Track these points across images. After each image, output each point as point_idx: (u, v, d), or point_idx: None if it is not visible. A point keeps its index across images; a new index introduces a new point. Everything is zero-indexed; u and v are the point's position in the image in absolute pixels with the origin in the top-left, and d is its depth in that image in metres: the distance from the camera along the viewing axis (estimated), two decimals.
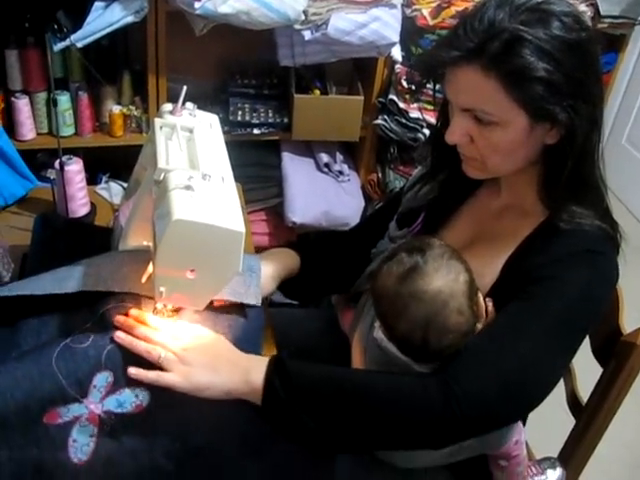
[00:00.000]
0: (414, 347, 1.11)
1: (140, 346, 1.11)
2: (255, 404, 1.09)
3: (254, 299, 1.29)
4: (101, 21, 2.14)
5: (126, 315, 1.17)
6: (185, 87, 1.15)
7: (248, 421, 1.11)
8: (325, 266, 1.49)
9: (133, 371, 1.09)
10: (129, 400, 1.11)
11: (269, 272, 1.37)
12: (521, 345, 1.07)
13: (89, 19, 2.10)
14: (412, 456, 1.24)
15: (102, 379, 1.12)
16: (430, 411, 1.04)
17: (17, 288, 1.21)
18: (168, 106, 1.19)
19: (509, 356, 1.07)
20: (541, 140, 1.12)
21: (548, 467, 1.42)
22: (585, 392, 1.46)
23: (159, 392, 1.10)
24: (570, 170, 1.11)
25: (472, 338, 1.11)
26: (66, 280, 1.22)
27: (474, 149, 1.15)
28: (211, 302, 1.21)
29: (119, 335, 1.12)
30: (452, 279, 1.09)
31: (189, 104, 1.20)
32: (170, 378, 1.08)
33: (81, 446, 1.08)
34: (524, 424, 1.35)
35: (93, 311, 1.20)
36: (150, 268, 1.21)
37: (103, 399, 1.11)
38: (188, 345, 1.13)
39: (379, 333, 1.19)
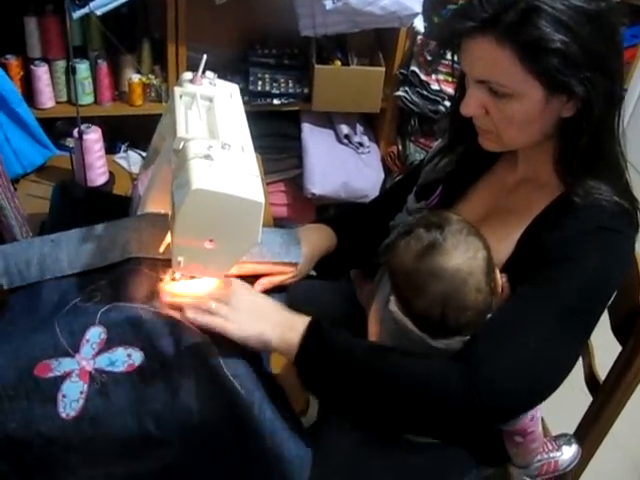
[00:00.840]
0: (431, 323, 1.10)
1: (191, 302, 1.12)
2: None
3: (295, 257, 1.32)
4: None
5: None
6: (205, 56, 1.14)
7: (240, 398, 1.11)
8: (357, 241, 1.48)
9: (191, 314, 1.09)
10: (121, 359, 1.11)
11: (306, 252, 1.36)
12: (538, 333, 1.06)
13: None
14: None
15: (95, 334, 1.12)
16: (451, 403, 1.03)
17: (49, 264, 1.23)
18: (188, 75, 1.18)
19: (527, 345, 1.06)
20: (557, 113, 1.10)
21: (564, 443, 1.42)
22: (603, 370, 1.45)
23: (153, 353, 1.11)
24: (587, 144, 1.09)
25: (489, 324, 1.11)
26: (88, 250, 1.24)
27: (489, 121, 1.14)
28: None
29: (185, 316, 1.11)
30: (471, 256, 1.08)
31: (209, 73, 1.19)
32: (225, 324, 1.09)
33: (70, 402, 1.09)
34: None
35: (109, 274, 1.22)
36: (168, 237, 1.20)
37: (95, 356, 1.11)
38: (233, 292, 1.14)
39: (394, 306, 1.18)
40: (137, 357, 1.12)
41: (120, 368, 1.11)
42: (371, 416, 1.10)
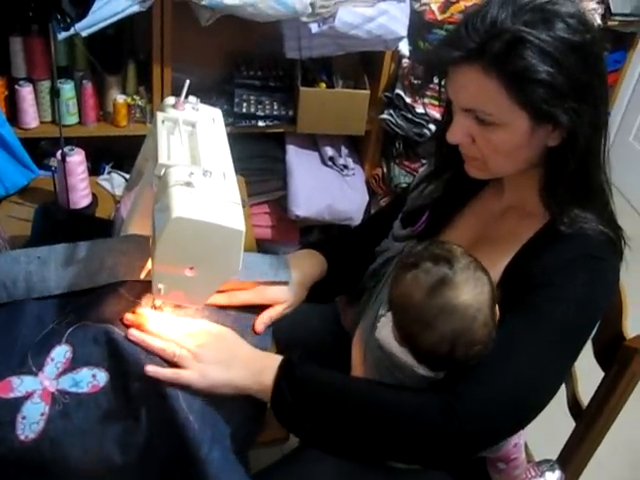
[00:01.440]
0: (437, 358, 1.09)
1: (154, 344, 1.12)
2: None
3: (285, 277, 1.32)
4: (106, 10, 2.13)
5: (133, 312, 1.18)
6: (188, 81, 1.14)
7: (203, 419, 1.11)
8: (347, 266, 1.47)
9: (151, 369, 1.09)
10: (85, 380, 1.11)
11: (299, 279, 1.36)
12: (521, 360, 1.07)
13: (94, 8, 2.07)
14: None
15: (60, 353, 1.12)
16: (431, 429, 1.04)
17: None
18: (171, 100, 1.18)
19: (510, 372, 1.06)
20: (543, 142, 1.10)
21: (547, 469, 1.41)
22: (586, 395, 1.45)
23: (118, 374, 1.10)
24: (572, 173, 1.10)
25: None
26: (74, 272, 1.23)
27: (475, 149, 1.14)
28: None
29: (132, 333, 1.13)
30: (479, 292, 1.07)
31: (192, 98, 1.19)
32: (187, 375, 1.09)
33: (30, 424, 1.07)
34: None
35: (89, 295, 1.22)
36: (149, 264, 1.20)
37: (59, 376, 1.11)
38: (201, 341, 1.13)
39: (381, 333, 1.18)
40: (102, 377, 1.11)
41: (84, 389, 1.10)
42: (352, 448, 1.10)
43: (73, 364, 1.12)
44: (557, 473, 1.41)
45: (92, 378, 1.11)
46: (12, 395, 1.09)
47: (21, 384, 1.10)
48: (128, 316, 1.17)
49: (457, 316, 1.05)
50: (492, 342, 1.08)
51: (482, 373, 1.07)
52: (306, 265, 1.40)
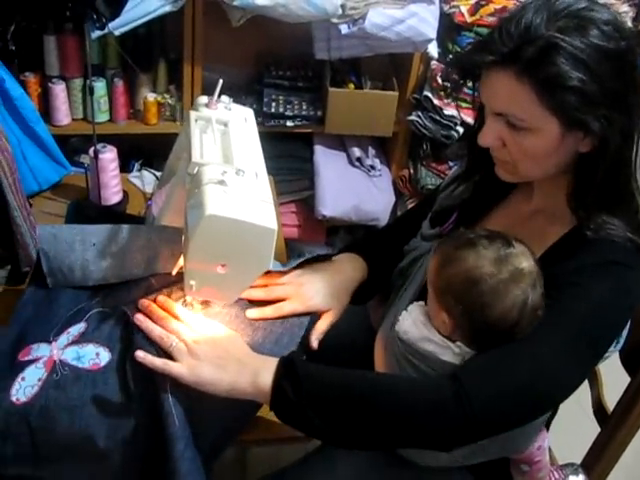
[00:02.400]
0: (499, 331, 1.09)
1: (155, 331, 1.13)
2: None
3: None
4: (139, 10, 2.15)
5: (154, 300, 1.20)
6: (221, 80, 1.16)
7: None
8: (384, 268, 1.46)
9: (141, 354, 1.09)
10: (88, 356, 1.12)
11: (343, 285, 1.36)
12: (537, 350, 1.07)
13: (127, 7, 2.11)
14: (431, 454, 1.24)
15: (76, 328, 1.16)
16: (442, 411, 1.03)
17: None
18: (204, 99, 1.20)
19: (524, 360, 1.06)
20: (574, 148, 1.10)
21: (570, 473, 1.41)
22: (611, 400, 1.44)
23: (121, 358, 1.12)
24: (602, 180, 1.09)
25: None
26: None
27: (506, 153, 1.14)
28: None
29: (138, 317, 1.15)
30: (533, 260, 1.10)
31: (225, 97, 1.21)
32: (176, 368, 1.09)
33: (25, 387, 1.09)
34: (547, 430, 1.34)
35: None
36: (181, 261, 1.21)
37: (66, 347, 1.13)
38: (201, 338, 1.13)
39: (403, 326, 1.19)
40: (104, 357, 1.13)
41: (85, 365, 1.12)
42: (363, 438, 1.09)
43: (82, 338, 1.15)
44: (581, 477, 1.41)
45: (95, 356, 1.12)
46: (25, 358, 1.13)
47: (37, 349, 1.13)
48: (142, 301, 1.18)
49: (525, 280, 1.08)
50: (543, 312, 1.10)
51: (496, 360, 1.07)
52: (349, 270, 1.39)
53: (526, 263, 1.09)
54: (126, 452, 1.10)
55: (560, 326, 1.08)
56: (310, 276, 1.33)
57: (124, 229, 1.28)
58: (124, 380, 1.11)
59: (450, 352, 1.14)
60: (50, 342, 1.15)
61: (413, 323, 1.19)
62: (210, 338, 1.14)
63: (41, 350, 1.15)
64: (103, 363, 1.12)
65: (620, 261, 1.10)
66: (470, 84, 1.20)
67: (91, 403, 1.09)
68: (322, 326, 1.31)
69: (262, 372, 1.09)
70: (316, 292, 1.31)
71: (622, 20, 1.07)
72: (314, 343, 1.29)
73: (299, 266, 1.35)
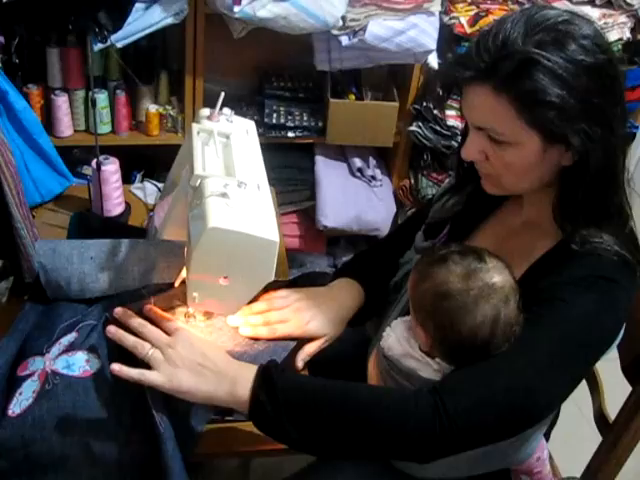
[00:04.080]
0: (473, 346, 1.09)
1: (129, 340, 1.12)
2: None
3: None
4: (141, 22, 2.17)
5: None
6: (223, 93, 1.16)
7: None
8: (380, 291, 1.46)
9: (116, 367, 1.07)
10: (78, 363, 1.13)
11: (340, 313, 1.35)
12: (515, 365, 1.06)
13: (129, 20, 2.11)
14: (428, 466, 1.24)
15: (67, 339, 1.17)
16: (418, 423, 1.02)
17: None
18: (206, 111, 1.21)
19: (502, 374, 1.06)
20: (556, 161, 1.09)
21: None
22: (613, 409, 1.44)
23: (110, 364, 1.11)
24: (585, 193, 1.09)
25: None
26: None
27: (489, 166, 1.14)
28: None
29: (110, 330, 1.12)
30: (508, 274, 1.10)
31: (226, 110, 1.21)
32: (153, 377, 1.08)
33: (21, 400, 1.10)
34: (547, 440, 1.34)
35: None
36: (183, 273, 1.22)
37: (57, 357, 1.14)
38: (176, 344, 1.11)
39: (387, 342, 1.20)
40: (94, 364, 1.13)
41: (75, 372, 1.12)
42: (341, 449, 1.08)
43: (72, 347, 1.15)
44: None
45: (85, 363, 1.13)
46: (23, 373, 1.13)
47: (33, 364, 1.14)
48: (117, 310, 1.17)
49: (496, 295, 1.07)
50: (521, 327, 1.09)
51: (476, 373, 1.07)
52: (346, 299, 1.39)
53: (497, 278, 1.08)
54: (122, 456, 1.10)
55: (540, 341, 1.07)
56: (307, 302, 1.33)
57: (122, 243, 1.30)
58: (116, 385, 1.12)
59: (430, 369, 1.14)
60: (44, 355, 1.16)
61: (396, 339, 1.19)
62: (187, 345, 1.12)
63: (36, 364, 1.15)
64: (93, 370, 1.13)
65: (606, 275, 1.09)
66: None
67: (84, 410, 1.10)
68: (311, 349, 1.31)
69: (240, 381, 1.08)
70: (312, 317, 1.31)
71: (602, 33, 1.06)
72: (299, 364, 1.29)
73: (294, 283, 1.36)
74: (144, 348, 1.10)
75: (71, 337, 1.18)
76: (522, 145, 1.07)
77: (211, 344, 1.18)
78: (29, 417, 1.09)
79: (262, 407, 1.05)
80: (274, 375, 1.07)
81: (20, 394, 1.11)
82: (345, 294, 1.40)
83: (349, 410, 1.06)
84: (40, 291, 1.30)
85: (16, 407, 1.10)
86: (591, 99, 1.02)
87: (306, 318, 1.30)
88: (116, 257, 1.28)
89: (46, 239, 1.36)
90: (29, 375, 1.14)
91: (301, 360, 1.30)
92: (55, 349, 1.16)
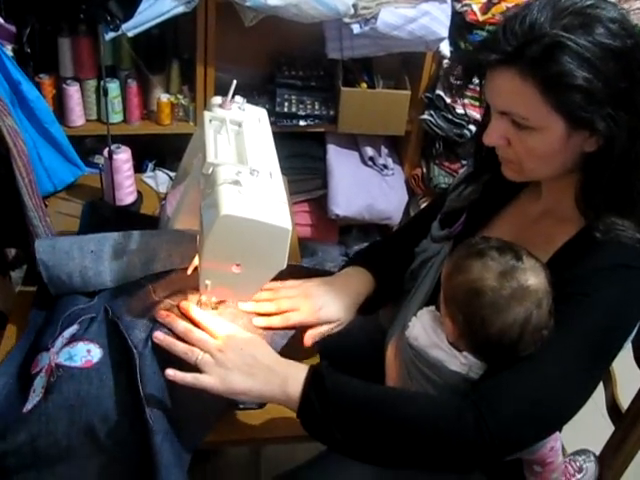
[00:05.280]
0: (502, 345, 1.09)
1: (178, 347, 1.13)
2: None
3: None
4: (152, 11, 2.16)
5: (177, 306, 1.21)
6: (235, 81, 1.16)
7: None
8: (392, 279, 1.46)
9: (171, 373, 1.09)
10: (80, 354, 1.13)
11: (352, 300, 1.36)
12: (551, 369, 1.07)
13: (140, 9, 2.12)
14: None
15: (70, 331, 1.17)
16: (462, 439, 1.04)
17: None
18: (217, 99, 1.21)
19: (539, 381, 1.06)
20: (580, 147, 1.09)
21: (584, 462, 1.42)
22: (625, 398, 1.44)
23: (114, 353, 1.14)
24: (609, 180, 1.08)
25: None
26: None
27: (511, 152, 1.13)
28: None
29: (157, 336, 1.14)
30: (543, 278, 1.09)
31: (238, 98, 1.21)
32: (207, 380, 1.09)
33: (34, 397, 1.11)
34: (560, 430, 1.34)
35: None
36: (196, 260, 1.22)
37: (60, 350, 1.14)
38: (224, 346, 1.13)
39: (413, 331, 1.19)
40: (96, 353, 1.14)
41: (77, 363, 1.13)
42: (382, 457, 1.10)
43: (73, 338, 1.16)
44: (593, 464, 1.41)
45: (87, 353, 1.13)
46: (35, 371, 1.14)
47: (41, 360, 1.15)
48: (161, 313, 1.19)
49: (529, 298, 1.07)
50: (551, 330, 1.09)
51: (513, 383, 1.07)
52: (357, 284, 1.39)
53: (533, 280, 1.07)
54: (127, 444, 1.11)
55: (570, 344, 1.07)
56: (317, 288, 1.33)
57: (121, 236, 1.31)
58: (119, 374, 1.13)
59: (457, 361, 1.14)
60: (49, 349, 1.16)
61: (423, 329, 1.19)
62: (235, 345, 1.14)
63: (43, 359, 1.16)
64: (95, 359, 1.14)
65: (629, 264, 1.09)
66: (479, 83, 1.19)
67: (88, 399, 1.11)
68: (324, 329, 1.31)
69: (290, 380, 1.10)
70: (325, 303, 1.31)
71: (629, 18, 1.05)
72: (308, 341, 1.29)
73: (297, 273, 1.36)
74: (194, 354, 1.11)
75: (73, 329, 1.19)
76: (546, 130, 1.06)
77: (258, 344, 1.18)
78: (36, 412, 1.10)
79: (311, 407, 1.07)
80: (325, 376, 1.09)
81: (33, 391, 1.12)
82: (355, 281, 1.40)
83: (394, 420, 1.07)
84: (44, 295, 1.31)
85: (29, 404, 1.11)
86: (618, 83, 1.01)
87: (318, 304, 1.30)
88: (117, 249, 1.28)
89: (45, 239, 1.37)
90: (39, 372, 1.14)
91: (311, 337, 1.29)
92: (59, 342, 1.17)
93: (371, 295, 1.40)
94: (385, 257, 1.49)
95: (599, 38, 1.00)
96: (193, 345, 1.13)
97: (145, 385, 1.11)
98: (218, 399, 1.13)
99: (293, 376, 1.10)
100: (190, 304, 1.21)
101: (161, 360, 1.14)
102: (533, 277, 1.07)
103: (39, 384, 1.12)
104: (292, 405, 1.10)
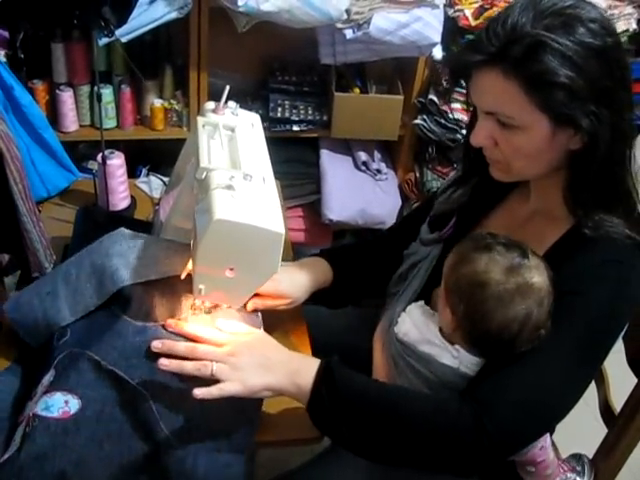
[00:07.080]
0: (500, 340, 1.11)
1: (189, 366, 1.11)
2: None
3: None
4: (145, 17, 2.16)
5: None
6: (228, 87, 1.17)
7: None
8: (357, 276, 1.50)
9: (199, 392, 1.07)
10: (57, 405, 1.10)
11: (302, 283, 1.39)
12: (547, 369, 1.09)
13: (134, 14, 2.12)
14: None
15: (47, 378, 1.13)
16: (463, 443, 1.06)
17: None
18: (211, 104, 1.21)
19: (536, 382, 1.09)
20: (565, 145, 1.11)
21: (576, 464, 1.43)
22: (618, 401, 1.44)
23: (92, 403, 1.11)
24: (595, 177, 1.10)
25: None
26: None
27: (498, 152, 1.15)
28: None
29: (163, 362, 1.11)
30: (546, 277, 1.10)
31: (231, 103, 1.22)
32: (228, 387, 1.09)
33: (12, 446, 1.08)
34: (552, 433, 1.34)
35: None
36: (189, 265, 1.22)
37: (39, 399, 1.11)
38: (235, 350, 1.13)
39: (402, 327, 1.21)
40: (74, 405, 1.11)
41: (54, 414, 1.09)
42: (384, 455, 1.12)
43: (51, 387, 1.12)
44: (587, 467, 1.42)
45: (64, 404, 1.10)
46: (19, 420, 1.12)
47: (26, 409, 1.13)
48: (155, 344, 1.14)
49: (532, 295, 1.08)
50: (548, 331, 1.10)
51: (508, 385, 1.09)
52: (312, 271, 1.42)
53: (537, 279, 1.09)
54: None
55: (565, 343, 1.09)
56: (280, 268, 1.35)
57: (70, 264, 1.28)
58: (96, 426, 1.10)
59: (449, 355, 1.15)
60: (32, 398, 1.14)
61: (413, 324, 1.20)
62: (243, 347, 1.15)
63: (27, 408, 1.13)
64: (73, 411, 1.10)
65: (619, 259, 1.11)
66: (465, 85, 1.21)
67: (63, 451, 1.08)
68: (269, 303, 1.32)
69: (301, 372, 1.12)
70: (283, 279, 1.33)
71: (607, 17, 1.08)
72: (250, 306, 1.28)
73: None
74: (207, 367, 1.10)
75: (50, 376, 1.14)
76: (531, 129, 1.08)
77: (264, 341, 1.20)
78: (10, 462, 1.06)
79: (321, 401, 1.09)
80: (335, 371, 1.11)
81: (14, 441, 1.08)
82: (310, 267, 1.44)
83: (395, 419, 1.09)
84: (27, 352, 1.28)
85: (6, 454, 1.07)
86: (600, 81, 1.03)
87: (278, 278, 1.28)
88: (68, 281, 1.25)
89: (10, 299, 1.32)
90: (21, 421, 1.11)
91: (253, 304, 1.28)
92: (39, 390, 1.13)
93: (328, 286, 1.44)
94: (351, 254, 1.54)
95: (580, 37, 1.02)
96: (201, 360, 1.12)
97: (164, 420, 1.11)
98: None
99: (304, 369, 1.13)
100: (177, 322, 1.19)
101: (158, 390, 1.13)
102: (537, 275, 1.09)
103: (18, 433, 1.09)
104: (302, 397, 1.11)
